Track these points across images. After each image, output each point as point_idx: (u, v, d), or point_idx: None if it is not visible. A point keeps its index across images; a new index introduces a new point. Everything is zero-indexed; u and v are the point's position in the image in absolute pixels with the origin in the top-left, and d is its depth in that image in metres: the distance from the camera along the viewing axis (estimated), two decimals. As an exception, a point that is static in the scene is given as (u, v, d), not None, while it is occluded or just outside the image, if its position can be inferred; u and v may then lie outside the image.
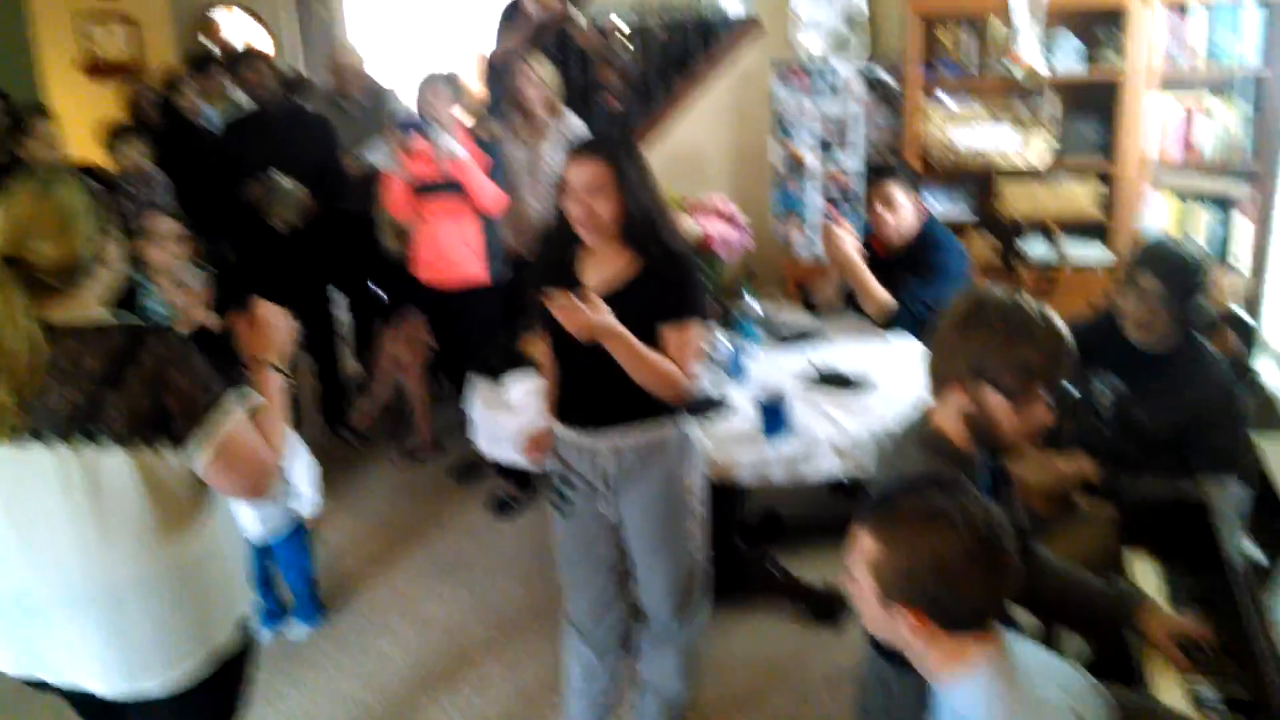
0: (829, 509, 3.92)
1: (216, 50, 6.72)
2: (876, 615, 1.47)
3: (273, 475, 1.82)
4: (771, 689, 2.98)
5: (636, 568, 2.47)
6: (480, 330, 3.89)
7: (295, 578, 3.34)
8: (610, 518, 2.41)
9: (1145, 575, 2.13)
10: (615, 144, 2.26)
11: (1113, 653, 2.02)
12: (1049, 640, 2.41)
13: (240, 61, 4.87)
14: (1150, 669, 1.82)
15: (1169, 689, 1.76)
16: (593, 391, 2.32)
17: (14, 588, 1.73)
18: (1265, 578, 1.80)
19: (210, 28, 7.31)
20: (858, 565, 1.47)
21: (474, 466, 4.42)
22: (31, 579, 1.72)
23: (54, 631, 1.74)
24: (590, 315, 2.11)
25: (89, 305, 1.73)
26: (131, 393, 1.64)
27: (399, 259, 4.54)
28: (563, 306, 2.12)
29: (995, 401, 1.73)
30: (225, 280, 4.20)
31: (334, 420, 4.89)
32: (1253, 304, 3.79)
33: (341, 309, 5.10)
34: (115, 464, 1.67)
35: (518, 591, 3.56)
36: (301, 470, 3.20)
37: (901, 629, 1.44)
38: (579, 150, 2.25)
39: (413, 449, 4.64)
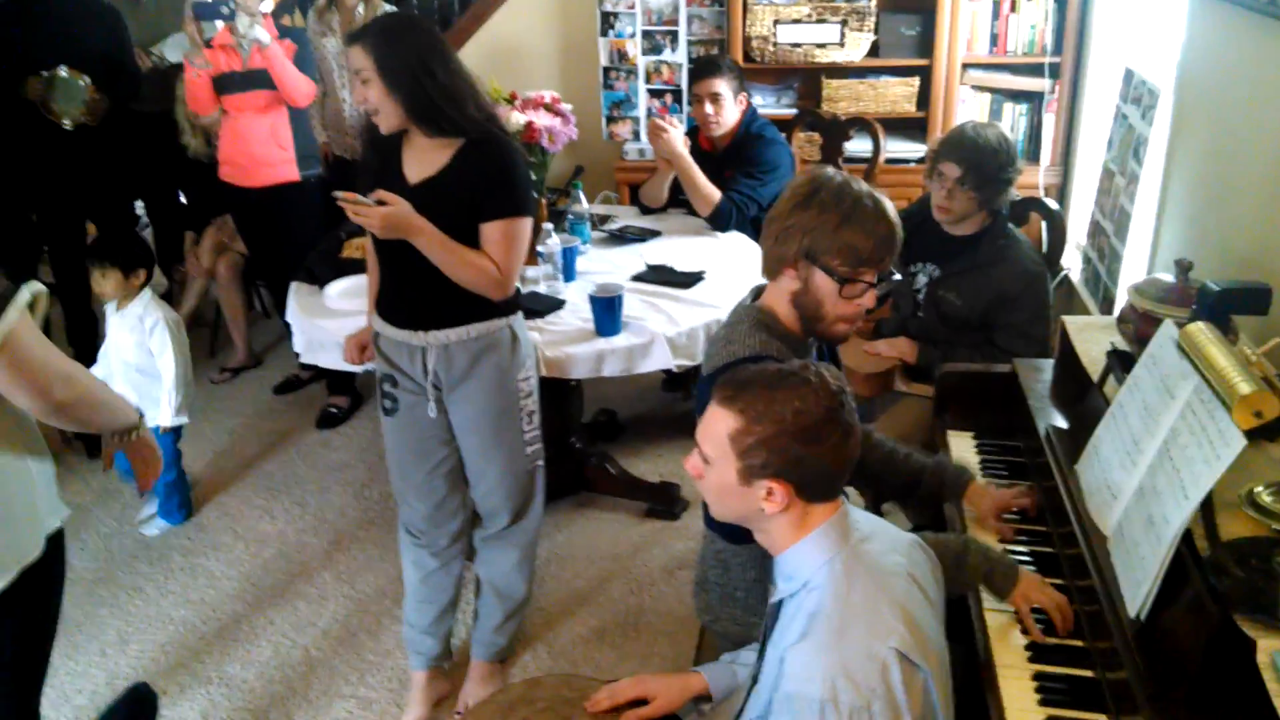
0: (662, 406, 3.98)
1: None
2: (730, 496, 1.44)
3: (66, 380, 1.65)
4: (611, 580, 3.03)
5: (470, 468, 2.44)
6: (296, 232, 3.69)
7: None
8: (437, 415, 2.35)
9: (960, 446, 2.23)
10: (381, 29, 2.14)
11: (931, 524, 2.12)
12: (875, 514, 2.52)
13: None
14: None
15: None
16: (415, 289, 2.24)
17: None
18: (1069, 444, 1.91)
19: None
20: (714, 446, 1.43)
21: (296, 380, 4.26)
22: None
23: None
24: (382, 210, 2.07)
25: None
26: None
27: (203, 160, 4.26)
28: (353, 207, 2.08)
29: (822, 284, 1.75)
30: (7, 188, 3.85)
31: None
32: (1060, 197, 3.99)
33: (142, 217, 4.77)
34: None
35: (350, 503, 3.47)
36: (169, 379, 3.24)
37: (760, 504, 1.41)
38: (347, 38, 2.17)
39: (230, 366, 4.42)
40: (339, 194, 2.10)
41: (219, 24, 3.45)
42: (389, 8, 3.96)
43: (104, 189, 4.20)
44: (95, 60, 3.97)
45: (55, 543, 1.81)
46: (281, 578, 3.10)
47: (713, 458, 1.44)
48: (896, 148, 4.13)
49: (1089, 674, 1.58)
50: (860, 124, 3.88)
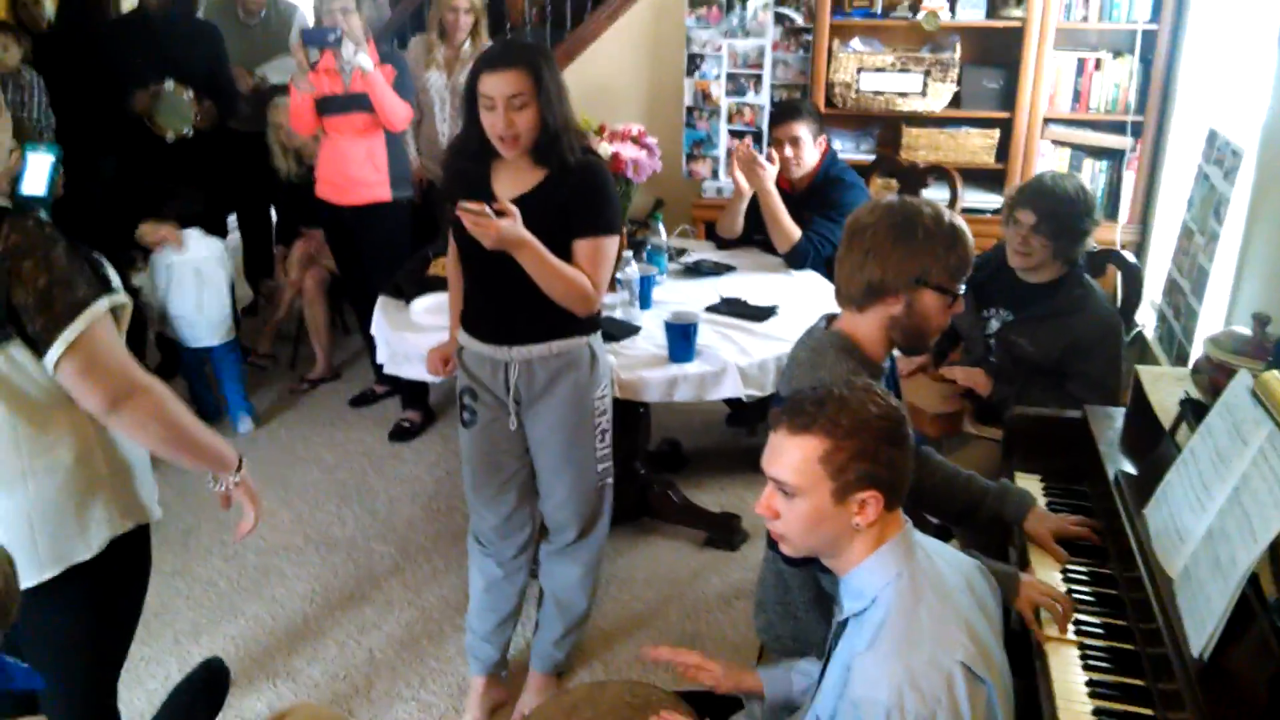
0: (726, 440, 4.02)
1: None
2: (822, 522, 1.45)
3: (138, 386, 1.66)
4: (669, 605, 3.07)
5: (542, 482, 2.50)
6: (383, 250, 3.83)
7: (232, 382, 4.16)
8: (515, 430, 2.42)
9: (1028, 489, 2.25)
10: (536, 53, 2.21)
11: (993, 551, 2.14)
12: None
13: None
14: (1033, 564, 1.94)
15: (1047, 576, 1.89)
16: (501, 303, 2.32)
17: None
18: (1138, 490, 1.92)
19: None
20: (800, 475, 1.44)
21: (372, 394, 4.38)
22: None
23: None
24: (500, 223, 2.11)
25: None
26: None
27: (294, 181, 4.44)
28: (473, 215, 2.11)
29: (932, 304, 1.83)
30: (110, 198, 4.05)
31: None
32: (1137, 254, 3.98)
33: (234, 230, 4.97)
34: None
35: (419, 514, 3.56)
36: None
37: (852, 520, 1.44)
38: (498, 58, 2.18)
39: (310, 377, 4.57)
40: (464, 203, 2.11)
41: (325, 48, 3.60)
42: (490, 43, 4.13)
43: (204, 203, 4.39)
44: (196, 78, 4.19)
45: (122, 545, 1.80)
46: (349, 581, 3.19)
47: (800, 487, 1.44)
48: (973, 198, 4.15)
49: (1149, 713, 1.59)
50: (938, 172, 3.93)
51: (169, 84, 4.12)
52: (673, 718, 1.69)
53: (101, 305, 1.63)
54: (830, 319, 1.97)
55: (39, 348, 1.59)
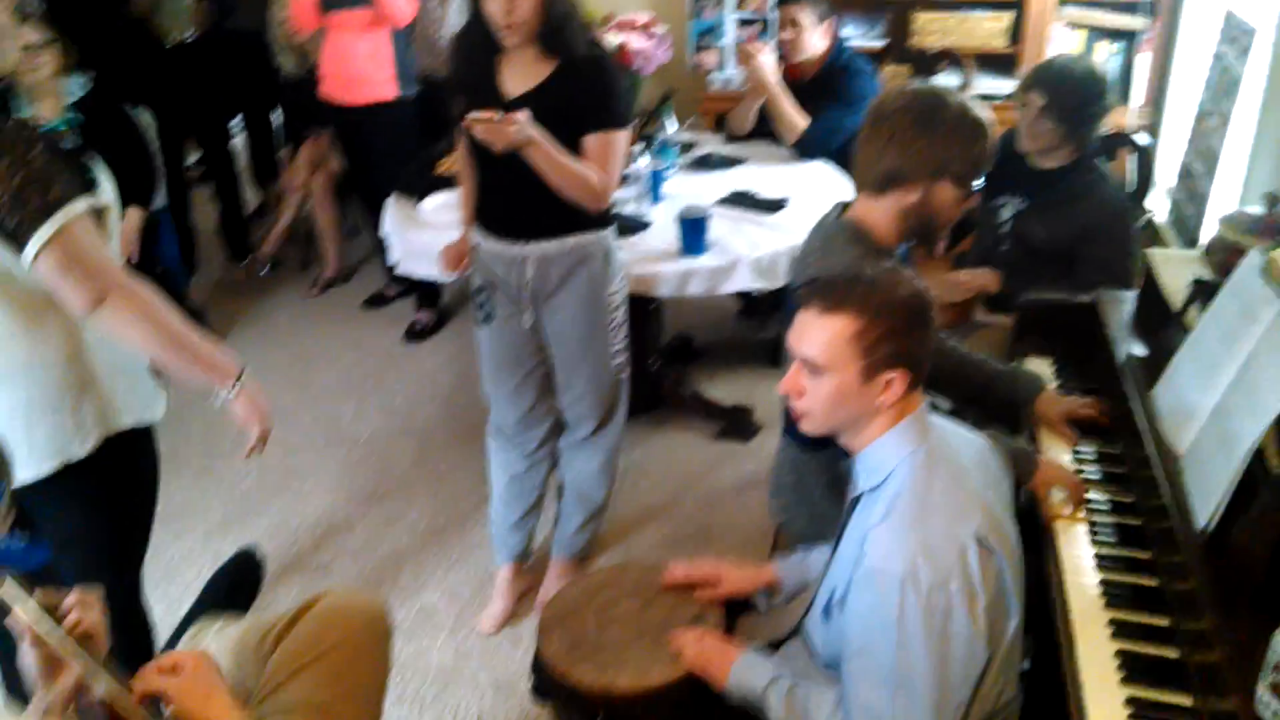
0: (738, 334, 4.05)
1: None
2: (847, 399, 1.48)
3: (119, 287, 1.65)
4: (684, 495, 3.14)
5: (559, 376, 2.54)
6: (391, 149, 3.80)
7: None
8: (531, 325, 2.45)
9: (1038, 373, 2.28)
10: None
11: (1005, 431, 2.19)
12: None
13: None
14: (1043, 444, 1.99)
15: (1058, 457, 1.94)
16: (514, 200, 2.33)
17: None
18: (1147, 371, 1.96)
19: None
20: (828, 353, 1.46)
21: (384, 296, 4.41)
22: None
23: None
24: (509, 129, 2.11)
25: None
26: None
27: (298, 80, 4.39)
28: (482, 124, 2.12)
29: (948, 196, 1.84)
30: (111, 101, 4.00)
31: (238, 249, 4.78)
32: (1151, 138, 3.93)
33: (239, 133, 4.93)
34: None
35: (437, 412, 3.62)
36: None
37: (877, 398, 1.47)
38: None
39: (322, 279, 4.59)
40: (474, 115, 2.12)
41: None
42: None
43: (203, 106, 4.36)
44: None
45: (121, 444, 1.84)
46: (372, 478, 3.27)
47: (829, 365, 1.46)
48: (986, 84, 4.10)
49: (1154, 584, 1.65)
50: (949, 58, 3.86)
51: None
52: (690, 638, 1.73)
53: (79, 205, 1.62)
54: (844, 207, 1.98)
55: (17, 245, 1.59)
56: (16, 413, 1.73)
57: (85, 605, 1.31)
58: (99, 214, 1.70)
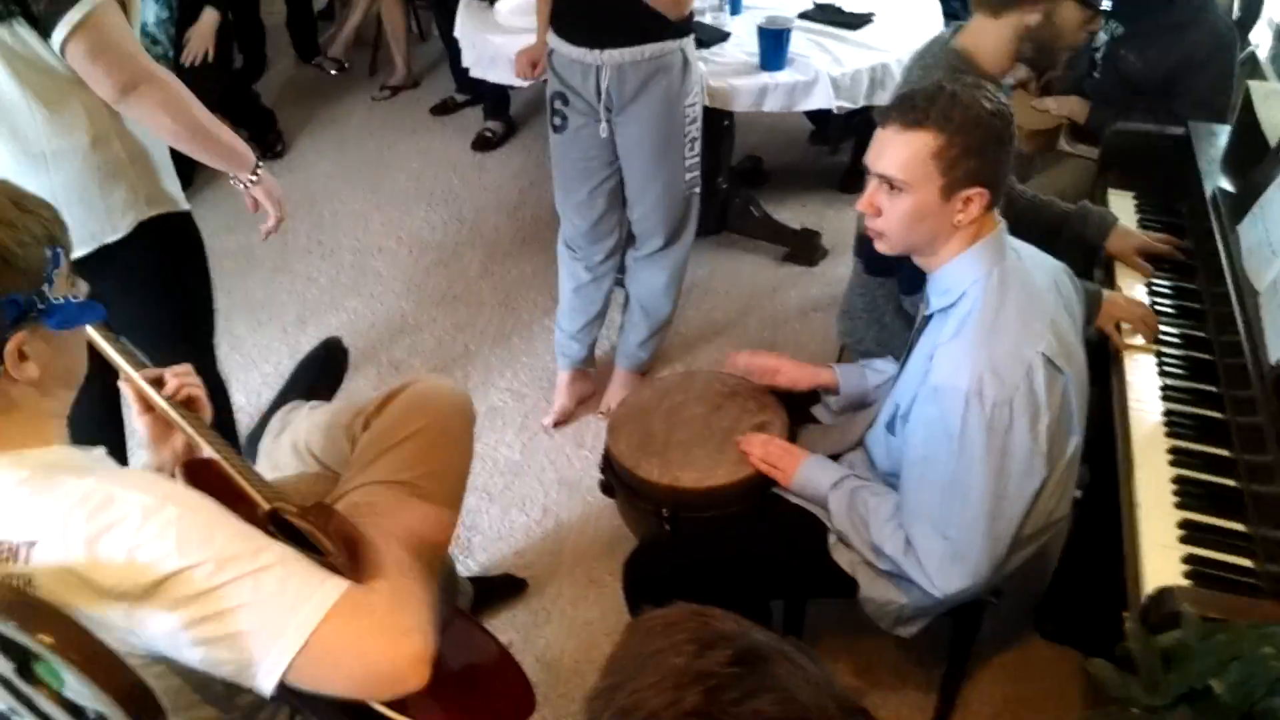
0: (808, 158, 3.99)
1: None
2: (925, 217, 1.47)
3: (149, 75, 1.69)
4: (748, 316, 3.18)
5: (630, 189, 2.54)
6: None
7: None
8: (606, 135, 2.44)
9: (1119, 206, 2.25)
10: None
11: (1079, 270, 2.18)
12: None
13: None
14: (1119, 283, 1.98)
15: (1131, 291, 1.94)
16: (592, 4, 2.28)
17: None
18: (1235, 207, 1.92)
19: None
20: (910, 170, 1.45)
21: (452, 102, 4.37)
22: None
23: None
24: None
25: None
26: None
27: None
28: None
29: (1072, 17, 1.79)
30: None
31: (307, 50, 4.74)
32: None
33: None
34: None
35: (504, 221, 3.65)
36: None
37: (955, 216, 1.47)
38: None
39: (390, 84, 4.55)
40: None
41: None
42: None
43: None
44: None
45: (156, 229, 1.89)
46: (441, 282, 3.34)
47: (909, 182, 1.46)
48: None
49: (1220, 416, 1.67)
50: None
51: None
52: (757, 440, 1.79)
53: None
54: (956, 32, 1.91)
55: (45, 28, 1.60)
56: (46, 198, 1.77)
57: (181, 375, 1.39)
58: (123, 3, 1.69)
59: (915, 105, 1.47)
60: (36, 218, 1.10)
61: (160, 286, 1.98)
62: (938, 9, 3.11)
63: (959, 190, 1.45)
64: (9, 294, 1.06)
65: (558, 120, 2.48)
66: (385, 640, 1.06)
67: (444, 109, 4.37)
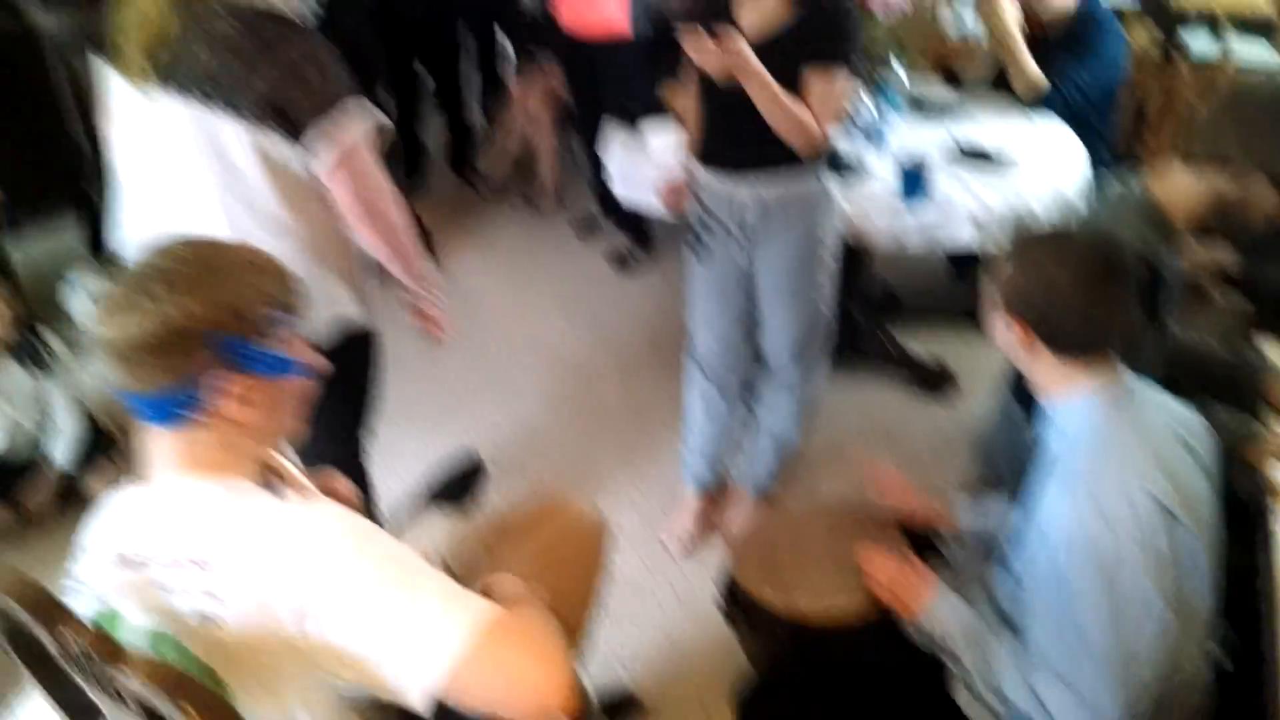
0: (945, 291, 3.98)
1: None
2: (999, 329, 1.59)
3: (388, 204, 1.88)
4: (876, 444, 3.15)
5: (765, 314, 2.58)
6: (619, 82, 3.89)
7: None
8: (745, 264, 2.50)
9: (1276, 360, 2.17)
10: None
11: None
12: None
13: None
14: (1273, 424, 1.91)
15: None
16: (736, 133, 2.35)
17: (150, 228, 1.88)
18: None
19: None
20: (994, 282, 1.58)
21: (595, 221, 4.55)
22: (163, 221, 1.86)
23: None
24: (724, 46, 2.12)
25: None
26: (265, 75, 1.71)
27: (533, 10, 4.52)
28: (698, 42, 2.14)
29: (1264, 194, 1.80)
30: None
31: (461, 166, 5.02)
32: None
33: (470, 56, 5.13)
34: (234, 133, 1.75)
35: (640, 339, 3.74)
36: None
37: (1012, 341, 1.56)
38: None
39: (536, 200, 4.76)
40: (685, 28, 2.16)
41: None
42: None
43: (434, 27, 4.55)
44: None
45: (349, 331, 2.02)
46: (576, 395, 3.43)
47: (991, 297, 1.58)
48: (1243, 50, 3.82)
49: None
50: (1205, 20, 3.61)
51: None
52: (886, 563, 1.77)
53: (364, 112, 1.80)
54: (1144, 177, 1.93)
55: (298, 135, 1.76)
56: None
57: (332, 477, 1.48)
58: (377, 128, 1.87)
59: (1028, 233, 1.58)
60: (269, 277, 1.22)
61: (340, 384, 2.09)
62: (1083, 153, 3.11)
63: (1009, 316, 1.54)
64: (229, 336, 1.16)
65: (698, 247, 2.56)
66: (536, 662, 1.11)
67: (587, 227, 4.55)
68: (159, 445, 1.19)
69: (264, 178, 1.81)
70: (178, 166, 1.82)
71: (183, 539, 1.13)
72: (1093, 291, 1.48)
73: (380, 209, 1.86)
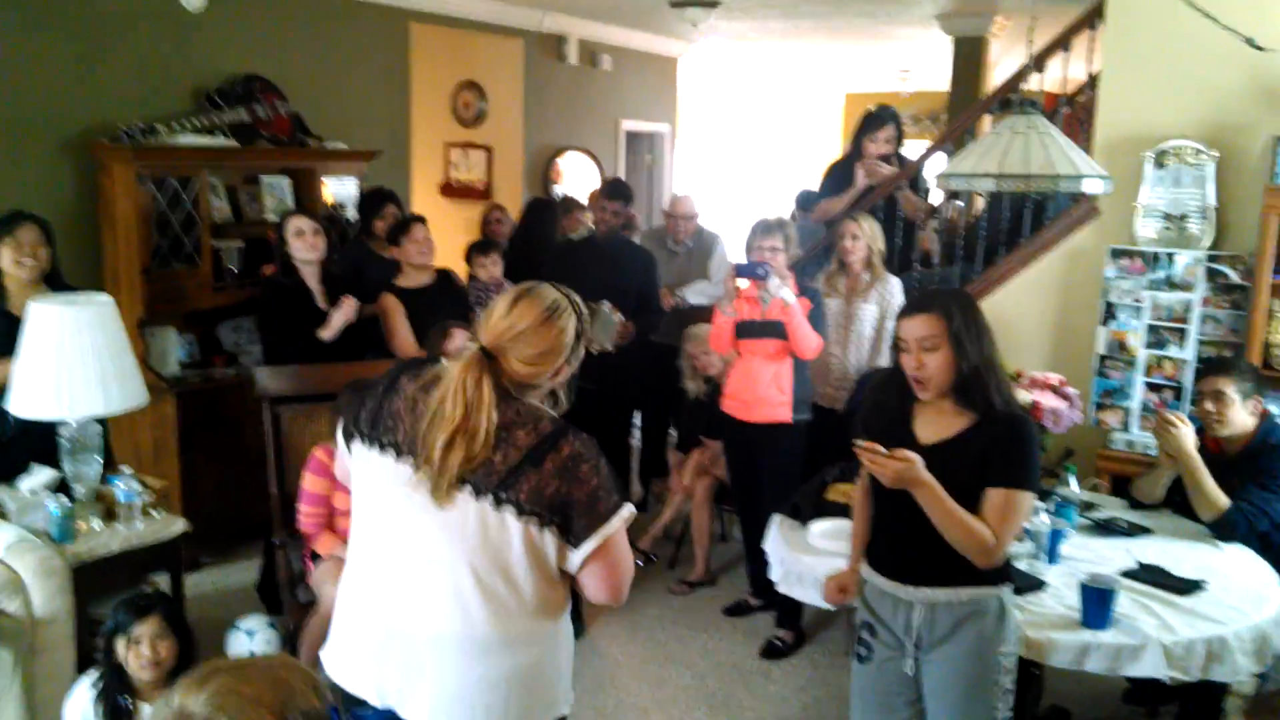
0: (1119, 715, 3.64)
1: (560, 190, 7.54)
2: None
3: (628, 583, 1.97)
4: None
5: (932, 731, 2.41)
6: (780, 468, 3.97)
7: None
8: (911, 672, 2.37)
9: None
10: (950, 299, 2.31)
11: None
12: None
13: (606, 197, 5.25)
14: None
15: None
16: (907, 542, 2.33)
17: (395, 626, 1.92)
18: None
19: (552, 169, 8.02)
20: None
21: (746, 605, 4.45)
22: (411, 619, 1.90)
23: (425, 674, 1.90)
24: (894, 464, 2.18)
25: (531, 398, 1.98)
26: (545, 472, 1.85)
27: (697, 391, 4.75)
28: (870, 455, 2.21)
29: None
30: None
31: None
32: None
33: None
34: (510, 529, 1.85)
35: (786, 738, 3.51)
36: None
37: None
38: (914, 304, 2.34)
39: (689, 579, 4.73)
40: (860, 442, 2.25)
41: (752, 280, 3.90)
42: (894, 280, 4.32)
43: (617, 400, 4.81)
44: (630, 294, 4.67)
45: None
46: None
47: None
48: None
49: None
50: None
51: (605, 305, 4.62)
52: None
53: (627, 510, 1.92)
54: None
55: (574, 539, 1.88)
56: (501, 684, 1.91)
57: None
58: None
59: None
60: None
61: None
62: (1274, 578, 2.92)
63: None
64: None
65: (863, 650, 2.45)
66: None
67: (737, 611, 4.44)
68: None
69: (529, 580, 1.89)
70: (434, 554, 1.89)
71: None
72: None
73: (625, 584, 1.96)
